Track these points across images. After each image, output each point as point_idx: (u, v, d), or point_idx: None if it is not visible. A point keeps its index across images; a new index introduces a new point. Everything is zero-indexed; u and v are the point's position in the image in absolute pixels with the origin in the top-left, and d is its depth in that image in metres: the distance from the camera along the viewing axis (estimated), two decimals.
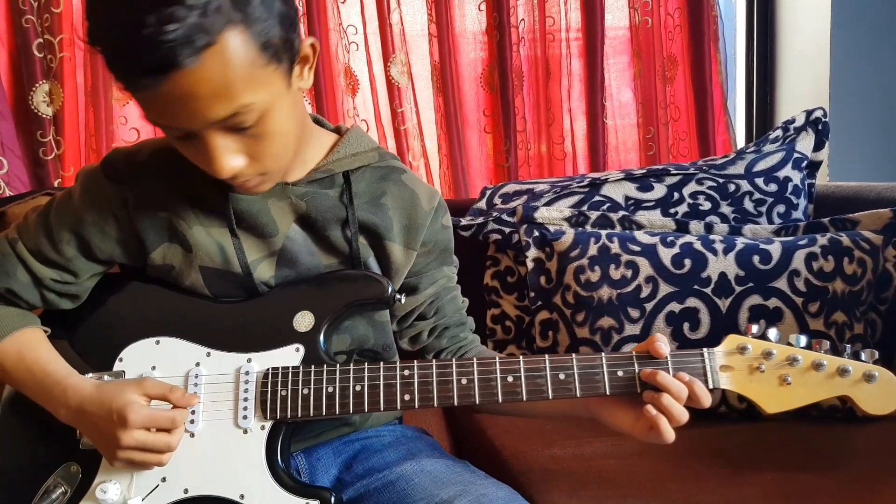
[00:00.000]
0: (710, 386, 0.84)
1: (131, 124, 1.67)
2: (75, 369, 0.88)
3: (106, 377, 0.87)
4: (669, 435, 0.81)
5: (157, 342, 0.89)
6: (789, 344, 0.85)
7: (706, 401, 0.82)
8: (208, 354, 0.88)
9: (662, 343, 0.84)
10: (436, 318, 1.01)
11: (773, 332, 0.85)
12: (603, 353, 0.85)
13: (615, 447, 1.13)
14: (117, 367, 0.89)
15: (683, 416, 0.81)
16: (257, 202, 0.89)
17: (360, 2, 1.74)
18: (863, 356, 0.85)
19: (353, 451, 0.96)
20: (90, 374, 0.88)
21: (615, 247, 1.32)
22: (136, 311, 0.92)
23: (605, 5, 1.83)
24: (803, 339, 0.85)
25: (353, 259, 0.92)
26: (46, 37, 1.58)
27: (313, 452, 0.95)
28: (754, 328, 0.86)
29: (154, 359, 0.89)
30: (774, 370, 0.84)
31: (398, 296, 0.92)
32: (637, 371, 0.84)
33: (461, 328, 1.04)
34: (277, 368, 0.86)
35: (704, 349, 0.85)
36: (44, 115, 1.60)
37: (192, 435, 0.86)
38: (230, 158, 0.77)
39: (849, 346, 0.86)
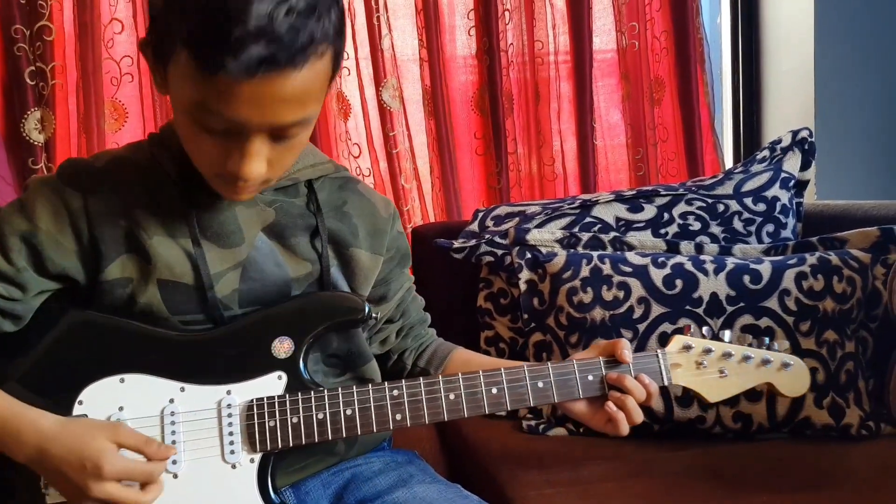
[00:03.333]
0: (665, 383, 0.94)
1: None
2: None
3: None
4: (626, 429, 0.91)
5: (122, 380, 0.82)
6: (720, 340, 0.97)
7: (655, 401, 0.94)
8: (182, 389, 0.83)
9: (628, 350, 0.93)
10: (402, 320, 1.05)
11: (705, 329, 0.99)
12: (574, 360, 0.93)
13: (611, 470, 1.13)
14: (77, 410, 0.81)
15: (640, 416, 0.91)
16: (224, 210, 0.87)
17: (352, 28, 1.75)
18: (775, 346, 0.99)
19: (344, 481, 0.94)
20: None
21: (607, 268, 1.32)
22: (92, 346, 0.83)
23: (592, 29, 1.85)
24: (728, 334, 0.98)
25: (322, 268, 0.91)
26: (38, 64, 1.58)
27: (301, 486, 0.93)
28: (692, 328, 0.99)
29: (120, 399, 0.82)
30: (714, 364, 0.96)
31: (374, 313, 0.95)
32: (604, 374, 0.92)
33: (422, 325, 1.09)
34: (262, 399, 0.84)
35: (658, 350, 0.96)
36: (35, 143, 1.59)
37: (176, 476, 0.81)
38: (260, 164, 0.77)
39: (766, 338, 0.99)
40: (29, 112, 1.58)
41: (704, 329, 0.99)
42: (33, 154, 1.59)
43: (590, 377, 0.92)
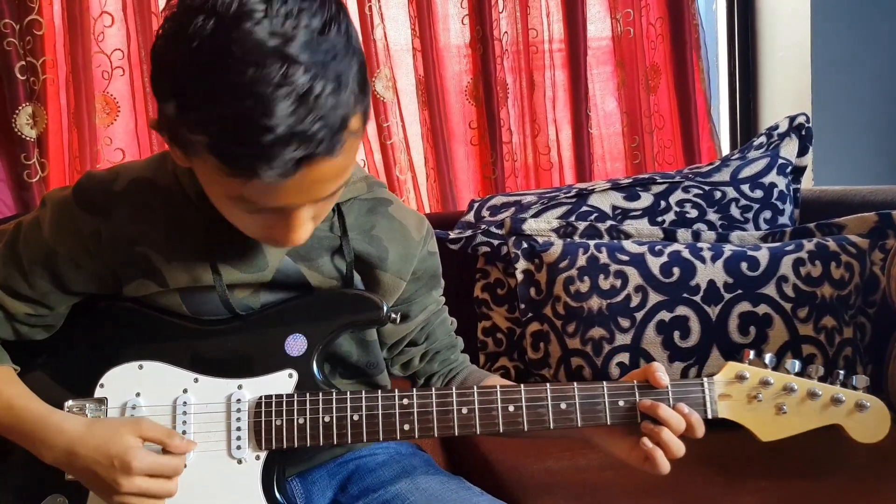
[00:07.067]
0: (710, 416, 0.84)
1: (116, 145, 1.66)
2: (53, 396, 0.83)
3: (88, 405, 0.83)
4: (665, 467, 0.82)
5: (141, 367, 0.85)
6: (785, 370, 0.86)
7: (700, 432, 0.84)
8: (196, 380, 0.85)
9: (662, 373, 0.84)
10: (427, 344, 1.00)
11: (768, 357, 0.86)
12: (605, 383, 0.85)
13: (610, 459, 1.11)
14: (98, 393, 0.84)
15: (681, 449, 0.82)
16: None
17: None
18: (854, 382, 0.86)
19: (348, 472, 0.95)
20: (69, 402, 0.83)
21: (604, 257, 1.32)
22: (115, 333, 0.87)
23: (587, 16, 1.84)
24: (797, 365, 0.86)
25: (345, 285, 0.90)
26: (29, 59, 1.56)
27: (308, 476, 0.94)
28: (751, 354, 0.87)
29: (138, 385, 0.84)
30: (771, 399, 0.85)
31: (393, 315, 0.90)
32: (638, 401, 0.84)
33: (452, 350, 1.03)
34: (271, 397, 0.83)
35: (704, 378, 0.86)
36: (27, 138, 1.58)
37: (184, 466, 0.82)
38: (308, 229, 0.76)
39: (842, 372, 0.86)
40: (20, 107, 1.57)
41: (767, 357, 0.85)
42: (25, 149, 1.58)
43: (621, 402, 0.83)
